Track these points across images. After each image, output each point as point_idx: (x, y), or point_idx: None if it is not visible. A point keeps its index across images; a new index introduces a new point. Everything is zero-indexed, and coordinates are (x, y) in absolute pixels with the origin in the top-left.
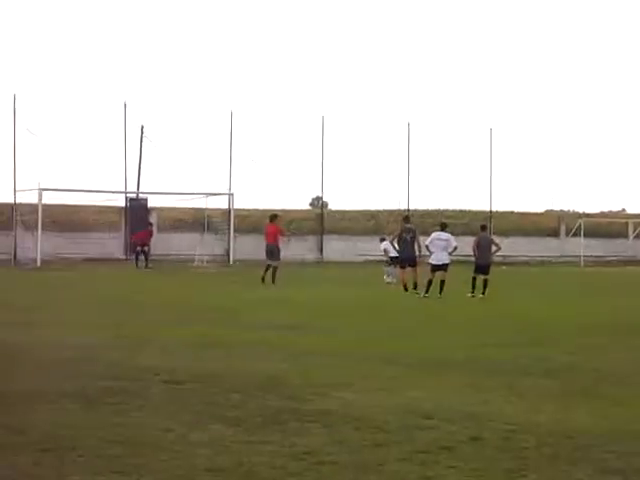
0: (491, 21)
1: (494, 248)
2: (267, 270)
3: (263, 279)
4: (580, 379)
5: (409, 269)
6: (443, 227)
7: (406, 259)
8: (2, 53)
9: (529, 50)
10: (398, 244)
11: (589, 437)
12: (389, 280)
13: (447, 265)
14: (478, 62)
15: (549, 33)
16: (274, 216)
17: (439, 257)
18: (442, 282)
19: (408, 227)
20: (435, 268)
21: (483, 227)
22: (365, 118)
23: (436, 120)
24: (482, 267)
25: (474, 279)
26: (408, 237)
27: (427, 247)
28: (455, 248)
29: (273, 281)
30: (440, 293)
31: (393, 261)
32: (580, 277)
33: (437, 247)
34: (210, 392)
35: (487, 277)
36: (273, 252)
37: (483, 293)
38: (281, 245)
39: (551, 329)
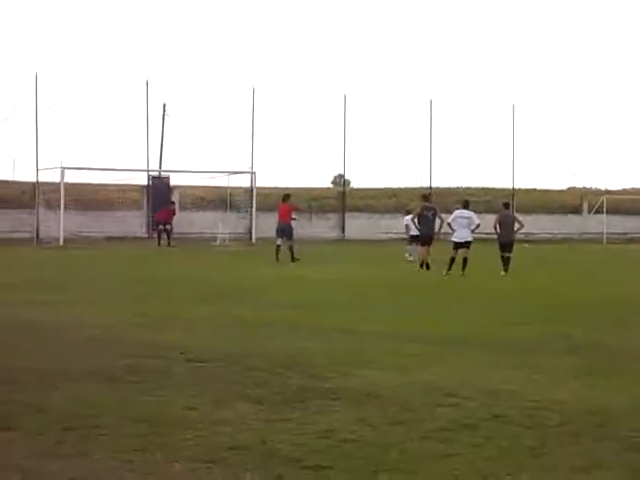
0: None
1: (517, 226)
2: (279, 250)
3: (277, 258)
4: (602, 356)
5: (427, 247)
6: (465, 204)
7: (427, 237)
8: (24, 32)
9: (552, 25)
10: (419, 222)
11: (612, 414)
12: (411, 258)
13: (470, 243)
14: (500, 38)
15: (572, 8)
16: (287, 195)
17: (462, 235)
18: (465, 260)
19: (429, 205)
20: (458, 246)
21: (506, 205)
22: (387, 95)
23: (458, 97)
24: (505, 245)
25: (502, 257)
26: (430, 215)
27: (449, 225)
28: (478, 225)
29: (292, 259)
30: (463, 271)
31: (413, 239)
32: (602, 254)
33: (460, 225)
34: (233, 370)
35: (510, 255)
36: (285, 231)
37: (505, 270)
38: (293, 224)
39: (573, 306)
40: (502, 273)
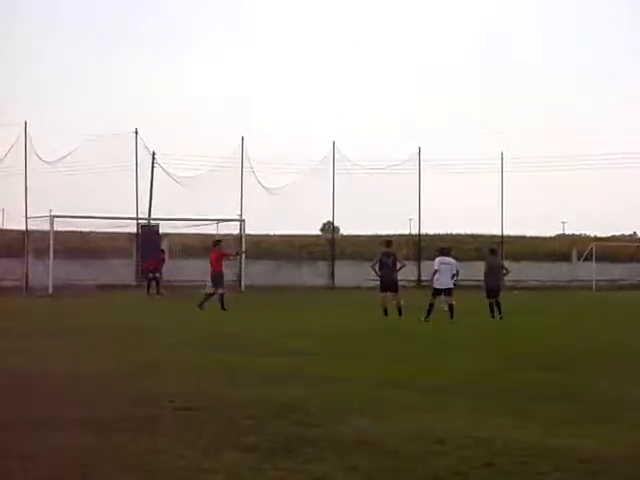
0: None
1: (503, 271)
2: (207, 297)
3: (201, 306)
4: (594, 404)
5: (390, 294)
6: (443, 251)
7: (387, 283)
8: (12, 79)
9: (541, 74)
10: (379, 268)
11: (604, 462)
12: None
13: (451, 289)
14: (488, 86)
15: (561, 54)
16: (217, 242)
17: (444, 281)
18: (451, 306)
19: (388, 251)
20: (438, 292)
21: (492, 251)
22: (376, 141)
23: (447, 144)
24: (492, 290)
25: (490, 304)
26: (389, 261)
27: (435, 271)
28: (457, 273)
29: (222, 308)
30: (452, 317)
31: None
32: (592, 302)
33: (443, 271)
34: (223, 418)
35: (498, 299)
36: (216, 278)
37: (500, 313)
38: (225, 269)
39: (564, 354)
40: (489, 318)
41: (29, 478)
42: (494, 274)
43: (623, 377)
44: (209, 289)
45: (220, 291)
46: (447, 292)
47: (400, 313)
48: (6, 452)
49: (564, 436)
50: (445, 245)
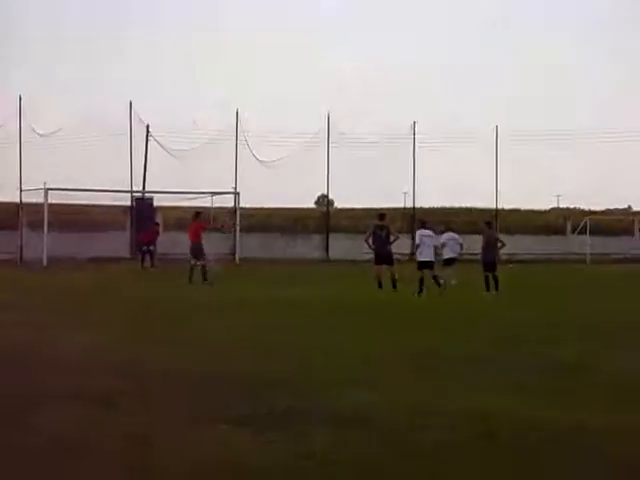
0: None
1: (499, 245)
2: (192, 270)
3: (191, 280)
4: (590, 378)
5: (385, 266)
6: (424, 224)
7: (381, 256)
8: (7, 53)
9: (538, 45)
10: (373, 242)
11: (602, 433)
12: (442, 282)
13: (434, 263)
14: (483, 58)
15: (556, 27)
16: (197, 213)
17: (428, 254)
18: (435, 277)
19: (380, 224)
20: (424, 265)
21: (488, 224)
22: (371, 114)
23: (441, 117)
24: (489, 264)
25: (486, 277)
26: (382, 234)
27: (417, 245)
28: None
29: (205, 279)
30: (439, 286)
31: (446, 263)
32: (586, 275)
33: (426, 244)
34: (217, 392)
35: (496, 273)
36: (195, 250)
37: (497, 289)
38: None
39: (558, 327)
40: (484, 293)
41: (28, 450)
42: (491, 247)
43: (621, 350)
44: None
45: (201, 262)
46: (430, 265)
47: (395, 286)
48: (1, 425)
49: (561, 409)
50: (425, 218)
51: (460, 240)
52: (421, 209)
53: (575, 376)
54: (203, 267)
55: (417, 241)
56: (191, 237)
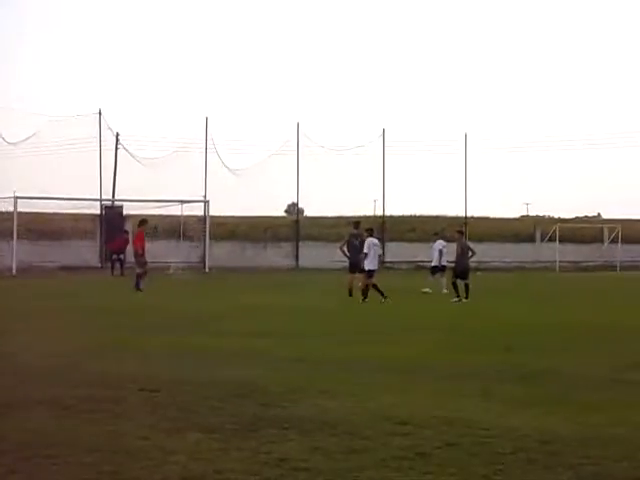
0: (466, 29)
1: (469, 253)
2: (138, 278)
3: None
4: (555, 385)
5: (359, 275)
6: (371, 233)
7: (355, 264)
8: None
9: (505, 53)
10: (348, 250)
11: (564, 442)
12: (427, 290)
13: (373, 271)
14: (451, 66)
15: (525, 36)
16: (143, 221)
17: (375, 262)
18: (368, 287)
19: (356, 233)
20: (372, 273)
21: (461, 232)
22: (341, 123)
23: (411, 125)
24: (462, 272)
25: (454, 284)
26: (357, 242)
27: (365, 254)
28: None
29: (137, 287)
30: (365, 299)
31: (434, 270)
32: (556, 282)
33: (374, 252)
34: (186, 400)
35: (467, 281)
36: (137, 258)
37: (467, 297)
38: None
39: (526, 335)
40: (454, 300)
41: None
42: (465, 255)
43: (584, 358)
44: (173, 270)
45: (139, 271)
46: (365, 271)
47: (365, 295)
48: None
49: (525, 417)
50: (372, 227)
51: (379, 249)
52: (391, 217)
53: (539, 382)
54: (139, 275)
55: (365, 249)
56: (134, 244)
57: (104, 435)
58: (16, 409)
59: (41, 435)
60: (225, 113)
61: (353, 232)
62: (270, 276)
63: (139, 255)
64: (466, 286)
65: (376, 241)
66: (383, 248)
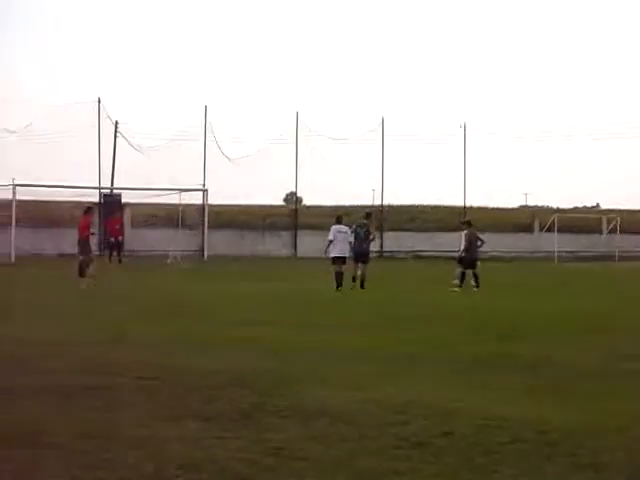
0: (465, 18)
1: (479, 243)
2: (81, 265)
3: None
4: (553, 374)
5: (361, 265)
6: (339, 220)
7: (359, 254)
8: None
9: (504, 43)
10: (354, 239)
11: (562, 432)
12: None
13: (346, 258)
14: (450, 56)
15: (524, 26)
16: (89, 208)
17: (343, 249)
18: (341, 274)
19: (363, 222)
20: (337, 260)
21: (469, 223)
22: (339, 112)
23: (410, 115)
24: (474, 262)
25: (462, 273)
26: (362, 232)
27: (330, 241)
28: (350, 242)
29: (80, 275)
30: (339, 286)
31: (461, 262)
32: (554, 273)
33: (340, 240)
34: (184, 388)
35: (476, 271)
36: (81, 245)
37: (477, 286)
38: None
39: (525, 325)
40: (475, 289)
41: None
42: (474, 245)
43: (582, 347)
44: (171, 258)
45: (81, 258)
46: (344, 260)
47: (362, 285)
48: None
49: (523, 407)
50: (340, 213)
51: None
52: (390, 206)
53: (537, 372)
54: (81, 263)
55: (330, 236)
56: (80, 231)
57: (102, 423)
58: (14, 396)
59: (38, 422)
60: (224, 101)
61: (361, 222)
62: (268, 265)
63: (83, 243)
64: (475, 275)
65: (343, 228)
66: (381, 237)
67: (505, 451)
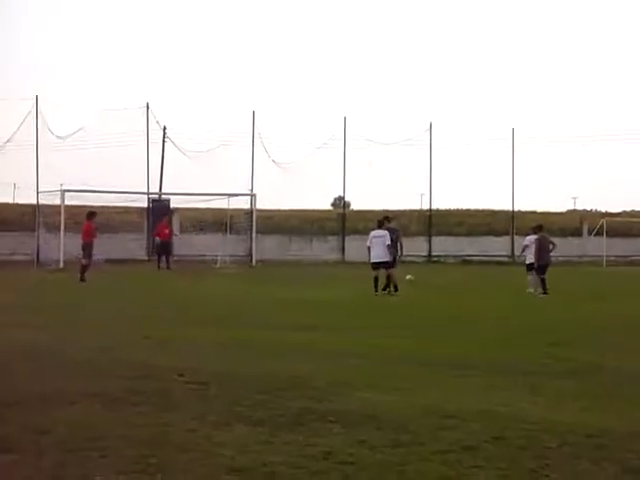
0: (513, 22)
1: (551, 247)
2: (84, 269)
3: (83, 278)
4: (601, 379)
5: (382, 271)
6: (380, 224)
7: (394, 259)
8: (24, 53)
9: (553, 48)
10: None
11: (610, 437)
12: (531, 290)
13: (387, 262)
14: (500, 61)
15: (572, 30)
16: (91, 213)
17: (379, 254)
18: (388, 277)
19: (390, 227)
20: (376, 266)
21: (540, 227)
22: (387, 116)
23: (458, 119)
24: (546, 267)
25: (543, 280)
26: (393, 237)
27: (368, 248)
28: (389, 245)
29: (82, 279)
30: (388, 289)
31: (529, 268)
32: (602, 277)
33: (376, 244)
34: (233, 393)
35: (544, 277)
36: (84, 249)
37: (545, 292)
38: (96, 243)
39: (572, 329)
40: (541, 295)
41: (41, 452)
42: (545, 250)
43: (631, 353)
44: (220, 263)
45: (84, 262)
46: (385, 265)
47: (396, 289)
48: (17, 426)
49: (571, 411)
50: (381, 217)
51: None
52: (437, 211)
53: (586, 377)
54: (83, 266)
55: (368, 243)
56: (83, 235)
57: (151, 427)
58: (63, 401)
59: (89, 427)
60: (272, 107)
61: (387, 227)
62: (316, 269)
63: (86, 246)
64: (542, 281)
65: (381, 232)
66: (429, 242)
67: (554, 455)
